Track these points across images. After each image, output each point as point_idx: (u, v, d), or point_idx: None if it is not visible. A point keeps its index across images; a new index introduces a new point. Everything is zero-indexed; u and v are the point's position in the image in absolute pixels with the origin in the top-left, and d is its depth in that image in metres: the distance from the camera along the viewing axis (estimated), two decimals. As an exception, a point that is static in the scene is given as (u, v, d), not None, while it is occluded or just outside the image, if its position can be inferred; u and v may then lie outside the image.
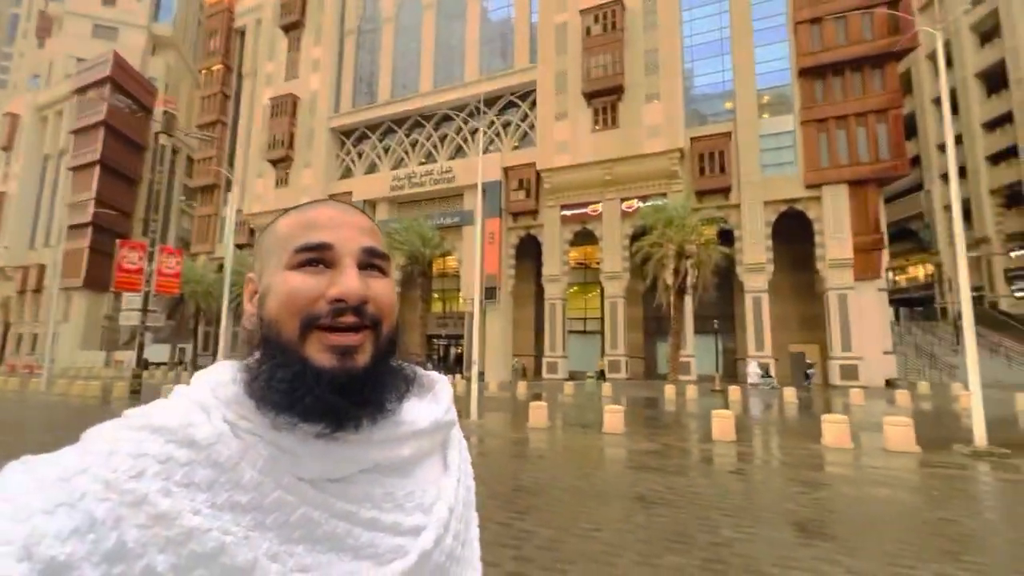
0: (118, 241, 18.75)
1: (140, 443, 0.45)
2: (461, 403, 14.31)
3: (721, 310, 31.37)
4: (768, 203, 27.45)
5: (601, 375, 28.04)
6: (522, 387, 21.97)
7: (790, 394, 17.80)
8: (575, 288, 35.48)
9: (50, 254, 46.21)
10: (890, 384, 23.61)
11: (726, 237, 28.17)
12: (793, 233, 28.14)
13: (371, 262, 0.54)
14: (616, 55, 29.88)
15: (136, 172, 48.42)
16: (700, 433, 10.35)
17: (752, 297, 27.35)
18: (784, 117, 27.93)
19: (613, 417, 10.51)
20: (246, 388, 0.50)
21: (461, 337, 34.69)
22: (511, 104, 34.86)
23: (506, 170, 33.31)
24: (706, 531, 4.59)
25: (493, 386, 23.50)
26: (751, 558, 3.94)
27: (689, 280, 23.00)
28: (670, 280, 22.56)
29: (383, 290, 0.53)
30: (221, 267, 35.08)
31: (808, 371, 24.10)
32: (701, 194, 28.58)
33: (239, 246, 42.11)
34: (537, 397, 19.64)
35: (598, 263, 31.08)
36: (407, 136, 37.94)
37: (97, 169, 45.06)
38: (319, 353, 0.49)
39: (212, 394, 0.51)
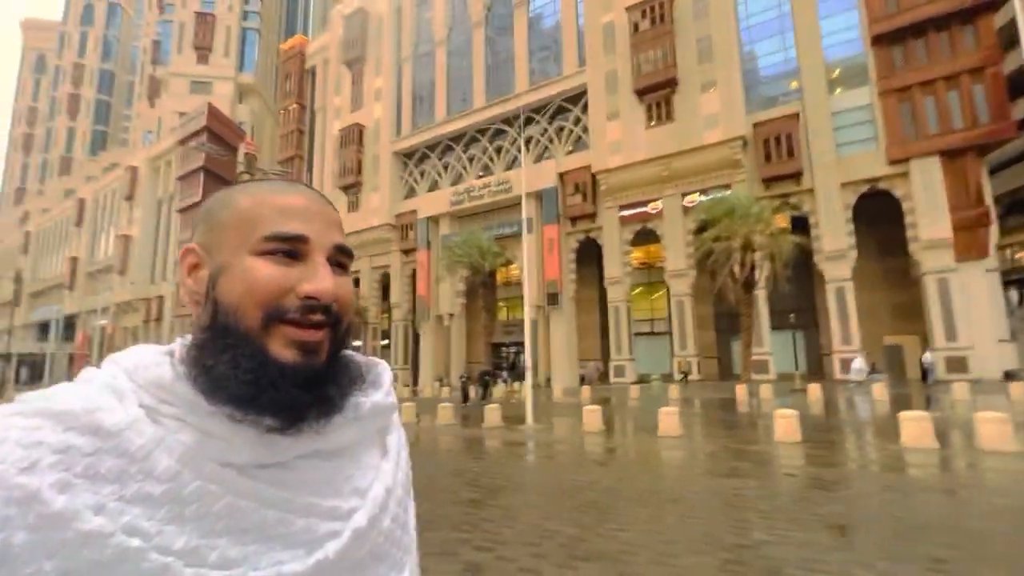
0: (213, 272, 20.97)
1: (34, 431, 0.40)
2: (519, 408, 14.55)
3: (801, 303, 29.33)
4: (846, 184, 25.32)
5: (684, 377, 26.99)
6: (586, 392, 21.80)
7: (879, 391, 16.27)
8: (640, 289, 34.68)
9: (167, 287, 52.56)
10: (1009, 376, 20.75)
11: (801, 225, 26.33)
12: (879, 215, 25.74)
13: (338, 259, 0.53)
14: (667, 47, 29.11)
15: (231, 208, 53.82)
16: (763, 435, 9.84)
17: (834, 287, 25.28)
18: (859, 90, 25.72)
19: (668, 419, 10.26)
20: (189, 375, 0.47)
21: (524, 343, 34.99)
22: (563, 109, 34.97)
23: (561, 175, 33.41)
24: (736, 533, 4.47)
25: (558, 391, 23.50)
26: (775, 560, 3.82)
27: (758, 274, 21.70)
28: (738, 274, 21.40)
29: (346, 288, 0.53)
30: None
31: (925, 363, 20.87)
32: (768, 181, 27.00)
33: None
34: (603, 401, 19.42)
35: (663, 262, 30.20)
36: (464, 152, 39.20)
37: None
38: (283, 348, 0.48)
39: (128, 377, 0.47)
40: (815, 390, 17.34)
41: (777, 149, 26.60)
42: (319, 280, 0.49)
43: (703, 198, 27.72)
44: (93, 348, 59.21)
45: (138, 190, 59.53)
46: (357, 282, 42.28)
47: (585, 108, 33.12)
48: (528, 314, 14.12)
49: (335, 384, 0.51)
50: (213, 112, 52.39)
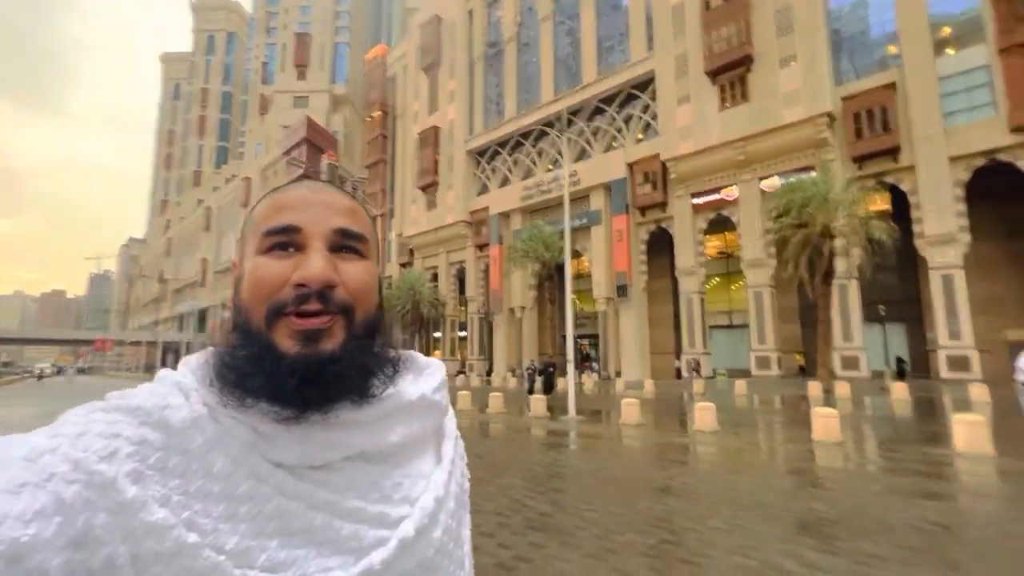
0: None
1: (113, 424, 0.42)
2: (579, 401, 14.96)
3: (904, 294, 26.55)
4: (956, 159, 22.37)
5: (801, 370, 25.10)
6: (650, 386, 21.55)
7: (980, 392, 14.49)
8: (717, 280, 33.23)
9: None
10: None
11: (905, 206, 23.70)
12: (1005, 191, 22.47)
13: (345, 243, 0.52)
14: (741, 23, 27.41)
15: (327, 211, 59.03)
16: (801, 433, 9.44)
17: (941, 275, 22.52)
18: (972, 50, 22.49)
19: (704, 415, 10.20)
20: (214, 371, 0.49)
21: (597, 336, 35.02)
22: (632, 97, 34.20)
23: (631, 165, 32.79)
24: (695, 520, 4.68)
25: (620, 385, 23.44)
26: (710, 544, 4.03)
27: (840, 263, 19.99)
28: (816, 264, 19.85)
29: (356, 273, 0.51)
30: (390, 285, 41.08)
31: None
32: (860, 160, 24.57)
33: (402, 265, 48.67)
34: (664, 397, 19.19)
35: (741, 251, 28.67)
36: (533, 146, 39.74)
37: (300, 212, 56.28)
38: (285, 339, 0.48)
39: (193, 377, 0.50)
40: (902, 389, 15.84)
41: (870, 124, 24.09)
42: (308, 266, 0.48)
43: (783, 181, 25.88)
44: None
45: (252, 197, 67.18)
46: (435, 276, 44.69)
47: (654, 95, 32.15)
48: (568, 306, 14.42)
49: (359, 373, 0.50)
50: (310, 124, 57.77)
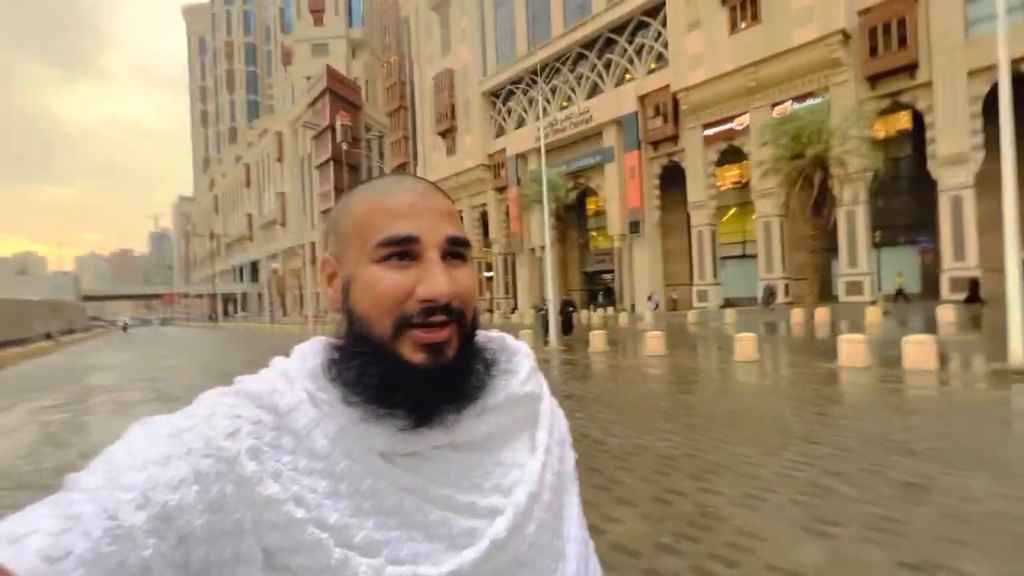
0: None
1: (235, 406, 0.48)
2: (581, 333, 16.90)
3: (918, 217, 26.17)
4: (976, 72, 21.34)
5: (899, 295, 24.24)
6: (648, 317, 23.11)
7: (945, 313, 15.28)
8: (733, 210, 33.36)
9: (316, 235, 62.56)
10: None
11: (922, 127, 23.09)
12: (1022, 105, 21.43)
13: (453, 250, 0.54)
14: (752, -65, 25.80)
15: (357, 161, 60.84)
16: (728, 355, 10.98)
17: (950, 197, 22.26)
18: (1002, -53, 20.67)
19: (654, 342, 11.88)
20: (329, 373, 0.52)
21: (613, 271, 36.34)
22: (643, 25, 33.10)
23: (642, 98, 32.44)
24: (568, 415, 6.59)
25: (623, 319, 25.09)
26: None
27: (838, 192, 20.21)
28: (811, 195, 20.18)
29: (465, 279, 0.54)
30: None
31: None
32: (874, 79, 23.69)
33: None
34: (653, 328, 20.80)
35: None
36: (547, 84, 39.37)
37: (331, 165, 58.13)
38: (413, 352, 0.50)
39: (299, 365, 0.54)
40: (874, 313, 16.76)
41: (886, 39, 23.01)
42: (433, 282, 0.50)
43: (797, 106, 25.37)
44: (269, 287, 73.67)
45: (285, 151, 69.65)
46: (460, 218, 46.35)
47: (665, 22, 31.07)
48: (549, 251, 15.92)
49: (467, 377, 0.53)
50: (331, 74, 58.17)
